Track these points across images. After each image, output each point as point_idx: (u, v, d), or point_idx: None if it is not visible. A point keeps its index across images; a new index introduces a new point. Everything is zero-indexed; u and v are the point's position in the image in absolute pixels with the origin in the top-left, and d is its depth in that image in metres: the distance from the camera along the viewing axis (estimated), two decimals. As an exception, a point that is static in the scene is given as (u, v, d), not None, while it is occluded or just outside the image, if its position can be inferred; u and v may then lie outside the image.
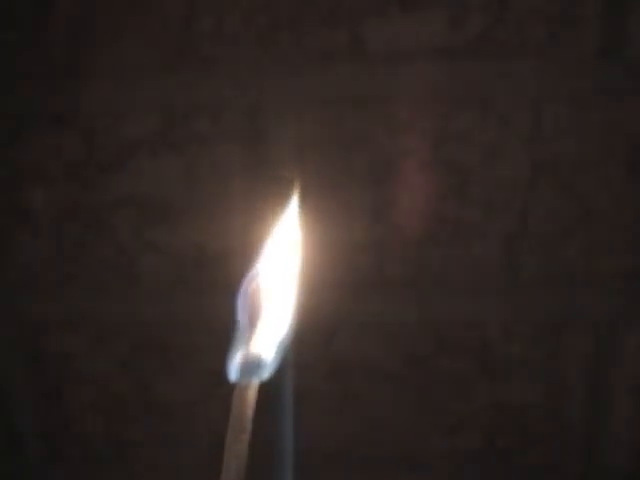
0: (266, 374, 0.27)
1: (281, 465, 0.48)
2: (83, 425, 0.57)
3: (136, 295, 0.53)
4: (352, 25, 0.46)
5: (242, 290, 0.28)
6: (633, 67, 0.45)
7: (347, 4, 0.45)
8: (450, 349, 0.52)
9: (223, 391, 0.55)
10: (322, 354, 0.53)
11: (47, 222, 0.52)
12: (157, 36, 0.47)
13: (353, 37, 0.46)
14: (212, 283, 0.51)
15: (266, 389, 0.27)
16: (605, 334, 0.50)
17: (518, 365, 0.52)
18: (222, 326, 0.54)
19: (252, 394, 0.26)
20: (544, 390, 0.52)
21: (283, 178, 0.30)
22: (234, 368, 0.27)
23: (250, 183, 0.49)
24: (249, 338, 0.27)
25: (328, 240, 0.50)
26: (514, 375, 0.52)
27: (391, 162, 0.48)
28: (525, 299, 0.50)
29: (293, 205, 0.30)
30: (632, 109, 0.45)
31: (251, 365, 0.27)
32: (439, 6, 0.45)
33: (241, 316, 0.28)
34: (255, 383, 0.26)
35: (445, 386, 0.53)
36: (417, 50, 0.46)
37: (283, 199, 0.30)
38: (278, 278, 0.29)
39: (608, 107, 0.45)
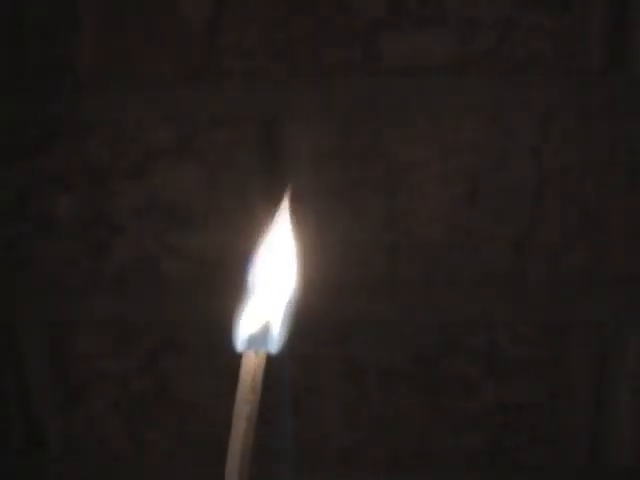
0: (273, 346, 0.28)
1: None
2: (104, 424, 0.58)
3: (157, 297, 0.55)
4: (367, 40, 0.48)
5: (253, 259, 0.30)
6: (635, 82, 0.47)
7: (362, 20, 0.47)
8: (459, 350, 0.53)
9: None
10: (336, 354, 0.54)
11: (71, 227, 0.54)
12: (180, 49, 0.49)
13: (368, 51, 0.48)
14: (231, 285, 0.53)
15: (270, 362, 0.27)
16: (608, 336, 0.52)
17: (524, 366, 0.53)
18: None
19: (261, 359, 0.27)
20: (549, 390, 0.54)
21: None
22: (242, 339, 0.28)
23: (268, 190, 0.51)
24: (258, 308, 0.28)
25: (343, 243, 0.51)
26: (520, 376, 0.53)
27: (405, 170, 0.50)
28: (531, 302, 0.52)
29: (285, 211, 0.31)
30: (634, 122, 0.47)
31: (260, 336, 0.28)
32: (450, 22, 0.47)
33: (251, 285, 0.29)
34: (263, 352, 0.27)
35: (454, 386, 0.54)
36: (429, 64, 0.48)
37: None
38: (283, 255, 0.30)
39: (611, 120, 0.47)
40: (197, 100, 0.50)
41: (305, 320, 0.51)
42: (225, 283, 0.53)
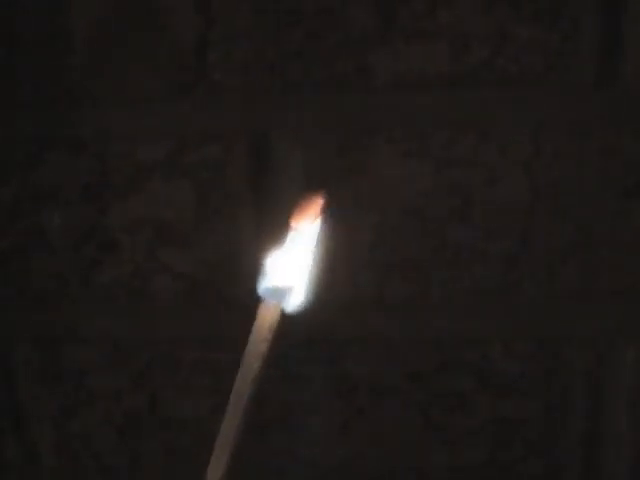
0: (291, 304, 0.29)
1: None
2: (97, 439, 0.58)
3: (150, 313, 0.55)
4: (358, 56, 0.48)
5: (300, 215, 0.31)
6: (628, 97, 0.47)
7: (354, 36, 0.47)
8: (452, 366, 0.53)
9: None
10: (327, 370, 0.54)
11: (63, 242, 0.54)
12: (171, 64, 0.49)
13: (359, 67, 0.48)
14: (223, 301, 0.53)
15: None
16: (603, 350, 0.52)
17: (518, 381, 0.53)
18: (232, 342, 0.55)
19: (277, 310, 0.28)
20: (544, 405, 0.53)
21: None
22: (265, 287, 0.29)
23: (259, 206, 0.51)
24: (287, 265, 0.30)
25: (333, 259, 0.51)
26: (514, 390, 0.53)
27: (395, 186, 0.50)
28: (525, 317, 0.52)
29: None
30: (627, 136, 0.47)
31: (281, 290, 0.29)
32: (441, 37, 0.47)
33: (289, 243, 0.30)
34: (280, 306, 0.29)
35: (447, 402, 0.54)
36: (420, 79, 0.48)
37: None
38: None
39: (604, 134, 0.47)
40: (187, 116, 0.50)
41: (299, 337, 0.51)
42: (216, 299, 0.54)
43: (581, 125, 0.47)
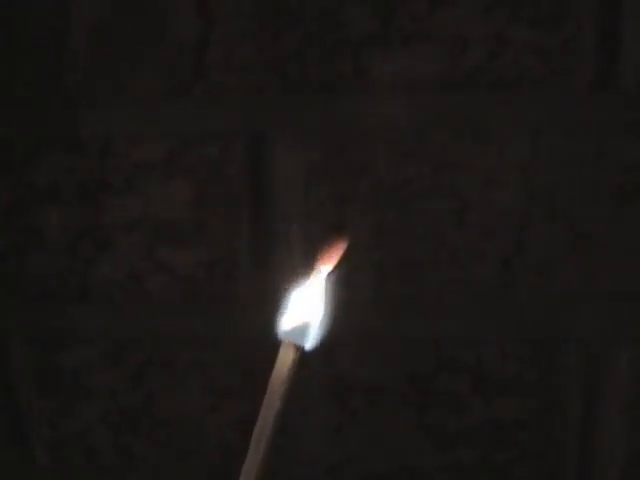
0: (309, 343, 0.30)
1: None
2: (93, 438, 0.58)
3: (146, 312, 0.54)
4: (356, 57, 0.48)
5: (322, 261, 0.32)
6: (626, 99, 0.47)
7: (351, 37, 0.47)
8: (448, 367, 0.53)
9: (230, 406, 0.57)
10: (322, 371, 0.54)
11: (61, 241, 0.54)
12: (170, 65, 0.49)
13: (358, 68, 0.48)
14: (220, 301, 0.53)
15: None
16: (599, 351, 0.52)
17: (514, 382, 0.53)
18: (229, 342, 0.56)
19: (297, 350, 0.29)
20: (539, 407, 0.54)
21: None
22: (285, 329, 0.30)
23: (257, 206, 0.51)
24: (304, 306, 0.30)
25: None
26: (510, 392, 0.53)
27: (393, 188, 0.50)
28: (521, 318, 0.52)
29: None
30: (625, 139, 0.47)
31: (300, 331, 0.30)
32: (440, 39, 0.47)
33: (308, 285, 0.31)
34: (300, 346, 0.29)
35: (443, 403, 0.54)
36: (418, 81, 0.48)
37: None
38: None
39: (602, 137, 0.47)
40: (186, 116, 0.50)
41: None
42: (214, 298, 0.54)
43: (579, 127, 0.47)
